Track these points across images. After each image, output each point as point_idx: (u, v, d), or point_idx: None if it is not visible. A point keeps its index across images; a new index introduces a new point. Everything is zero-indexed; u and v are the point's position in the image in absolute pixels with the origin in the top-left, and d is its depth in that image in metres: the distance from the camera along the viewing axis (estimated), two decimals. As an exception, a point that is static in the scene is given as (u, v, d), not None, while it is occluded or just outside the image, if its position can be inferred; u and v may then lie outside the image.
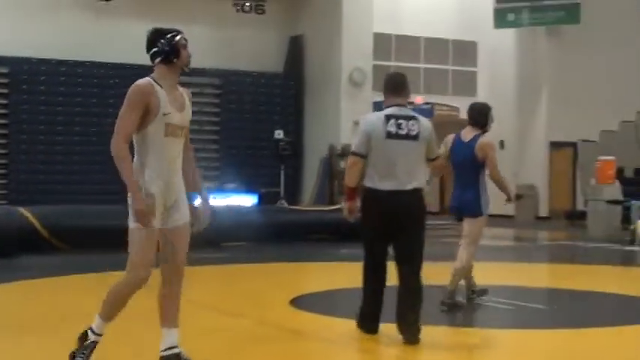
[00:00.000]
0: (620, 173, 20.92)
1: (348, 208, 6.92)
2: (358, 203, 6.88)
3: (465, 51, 27.44)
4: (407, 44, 26.75)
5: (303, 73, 25.51)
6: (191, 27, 24.35)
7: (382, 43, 25.66)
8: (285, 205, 20.09)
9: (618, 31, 26.14)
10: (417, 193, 6.71)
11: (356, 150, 6.76)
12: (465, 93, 27.39)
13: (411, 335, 6.59)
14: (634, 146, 23.82)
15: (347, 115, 23.65)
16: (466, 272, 8.52)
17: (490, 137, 8.66)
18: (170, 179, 5.45)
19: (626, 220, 18.31)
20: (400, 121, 6.69)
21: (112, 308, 5.43)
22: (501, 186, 8.53)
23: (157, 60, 5.54)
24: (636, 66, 26.34)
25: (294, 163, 24.04)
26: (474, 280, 8.74)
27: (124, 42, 21.75)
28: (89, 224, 14.32)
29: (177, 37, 5.57)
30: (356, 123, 23.39)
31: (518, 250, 17.68)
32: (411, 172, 6.68)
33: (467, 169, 8.40)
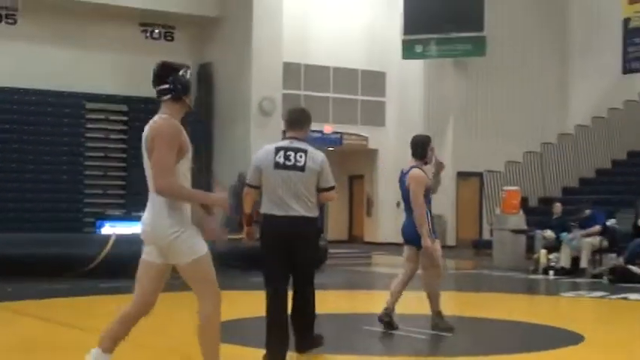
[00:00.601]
0: (524, 203, 21.32)
1: (245, 233, 7.45)
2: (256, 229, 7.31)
3: (374, 81, 27.74)
4: (316, 74, 26.91)
5: (212, 101, 25.41)
6: (99, 52, 24.15)
7: (292, 72, 25.75)
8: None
9: (523, 63, 26.83)
10: (305, 219, 7.04)
11: (248, 181, 7.38)
12: (374, 123, 27.68)
13: (302, 343, 7.12)
14: (538, 176, 24.35)
15: (257, 144, 23.54)
16: (437, 295, 8.77)
17: (418, 171, 8.83)
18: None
19: (530, 249, 18.65)
20: (289, 153, 7.12)
21: (215, 346, 5.46)
22: (418, 222, 8.57)
23: (166, 97, 5.42)
24: (540, 98, 27.04)
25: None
26: (393, 305, 8.81)
27: (36, 66, 21.53)
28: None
29: (189, 74, 5.45)
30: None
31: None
32: (299, 200, 7.03)
33: (406, 200, 8.81)
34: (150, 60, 24.26)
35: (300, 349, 7.30)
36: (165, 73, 5.43)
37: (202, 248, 5.48)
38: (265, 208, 7.14)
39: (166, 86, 5.39)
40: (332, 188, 7.23)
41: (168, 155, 5.25)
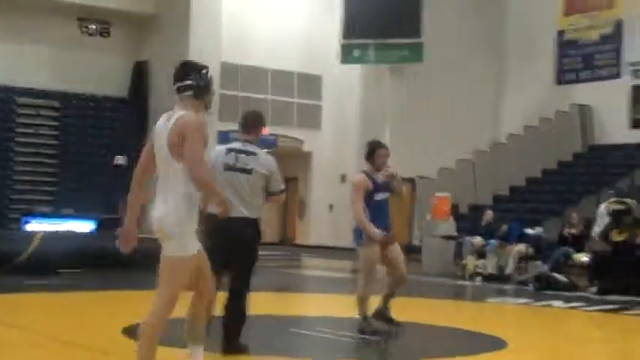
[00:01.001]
0: (455, 210, 21.55)
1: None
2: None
3: (311, 84, 27.82)
4: (254, 75, 26.89)
5: (147, 98, 25.23)
6: (34, 47, 23.82)
7: (230, 72, 25.69)
8: (125, 232, 19.67)
9: (458, 71, 27.10)
10: (246, 221, 7.14)
11: None
12: (310, 126, 27.76)
13: (228, 346, 7.19)
14: (470, 184, 24.63)
15: (191, 143, 23.51)
16: (364, 299, 8.87)
17: (359, 176, 9.11)
18: None
19: (459, 255, 18.87)
20: (239, 155, 7.24)
21: (152, 346, 5.62)
22: (360, 225, 8.81)
23: (188, 93, 5.61)
24: (474, 106, 27.33)
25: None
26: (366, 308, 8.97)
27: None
28: None
29: (210, 75, 5.73)
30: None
31: (354, 283, 17.90)
32: (243, 202, 7.14)
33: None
34: (85, 56, 24.10)
35: (226, 351, 7.31)
36: (187, 71, 5.68)
37: (193, 249, 5.59)
38: (212, 207, 7.01)
39: (189, 82, 5.63)
40: (283, 191, 7.40)
41: (200, 147, 5.45)
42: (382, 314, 9.03)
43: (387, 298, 9.11)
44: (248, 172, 7.20)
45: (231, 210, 6.88)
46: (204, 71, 5.71)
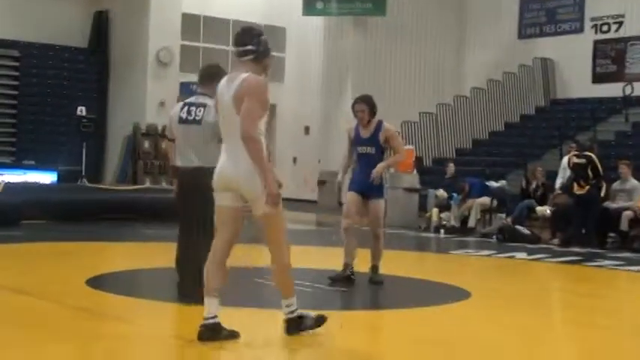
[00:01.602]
0: (418, 163, 21.62)
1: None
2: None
3: (274, 36, 27.53)
4: (216, 26, 26.58)
5: (108, 49, 24.92)
6: (-9, -5, 23.37)
7: (191, 23, 25.41)
8: (87, 183, 19.54)
9: (421, 24, 27.08)
10: (198, 169, 7.35)
11: (167, 134, 8.04)
12: (273, 79, 27.53)
13: (184, 292, 7.42)
14: (433, 137, 24.70)
15: (153, 95, 23.30)
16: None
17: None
18: None
19: (423, 207, 18.97)
20: (191, 108, 7.59)
21: (290, 284, 6.16)
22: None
23: (248, 57, 6.01)
24: (437, 59, 27.35)
25: (97, 141, 23.45)
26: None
27: None
28: None
29: (267, 40, 6.10)
30: (162, 103, 23.12)
31: (319, 234, 17.97)
32: (195, 152, 7.46)
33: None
34: (44, 4, 23.60)
35: (183, 297, 7.42)
36: (248, 36, 6.07)
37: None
38: (175, 160, 7.71)
39: (250, 47, 6.02)
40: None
41: (258, 108, 5.82)
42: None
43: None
44: (198, 122, 7.48)
45: (185, 160, 7.51)
46: (262, 37, 6.07)
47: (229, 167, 5.91)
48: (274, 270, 6.11)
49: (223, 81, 6.06)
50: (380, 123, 9.30)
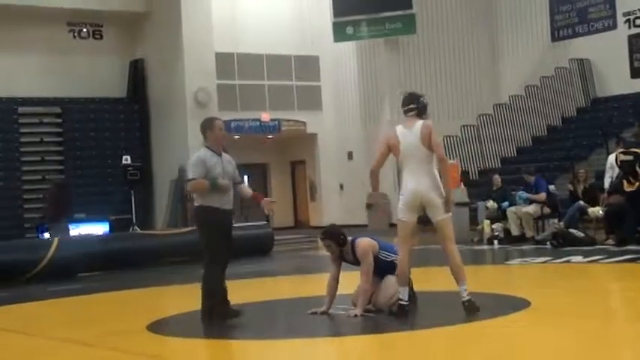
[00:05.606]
0: (465, 176, 21.53)
1: None
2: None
3: (308, 66, 27.73)
4: (249, 62, 26.81)
5: (147, 96, 25.25)
6: (28, 55, 23.79)
7: (225, 62, 25.64)
8: (139, 230, 19.75)
9: (453, 38, 27.07)
10: (196, 208, 8.76)
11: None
12: (311, 107, 27.70)
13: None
14: (476, 149, 24.61)
15: (194, 136, 23.39)
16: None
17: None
18: None
19: (474, 220, 18.86)
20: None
21: (464, 271, 8.36)
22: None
23: (412, 113, 8.40)
24: (472, 71, 27.29)
25: (144, 187, 23.70)
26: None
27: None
28: None
29: (426, 100, 8.52)
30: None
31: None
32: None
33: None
34: (80, 60, 24.01)
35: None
36: (412, 98, 8.47)
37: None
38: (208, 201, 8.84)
39: (413, 106, 8.40)
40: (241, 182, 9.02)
41: (439, 139, 8.44)
42: None
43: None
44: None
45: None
46: (422, 99, 8.45)
47: (420, 185, 8.10)
48: (452, 260, 8.18)
49: (400, 127, 8.35)
50: None
